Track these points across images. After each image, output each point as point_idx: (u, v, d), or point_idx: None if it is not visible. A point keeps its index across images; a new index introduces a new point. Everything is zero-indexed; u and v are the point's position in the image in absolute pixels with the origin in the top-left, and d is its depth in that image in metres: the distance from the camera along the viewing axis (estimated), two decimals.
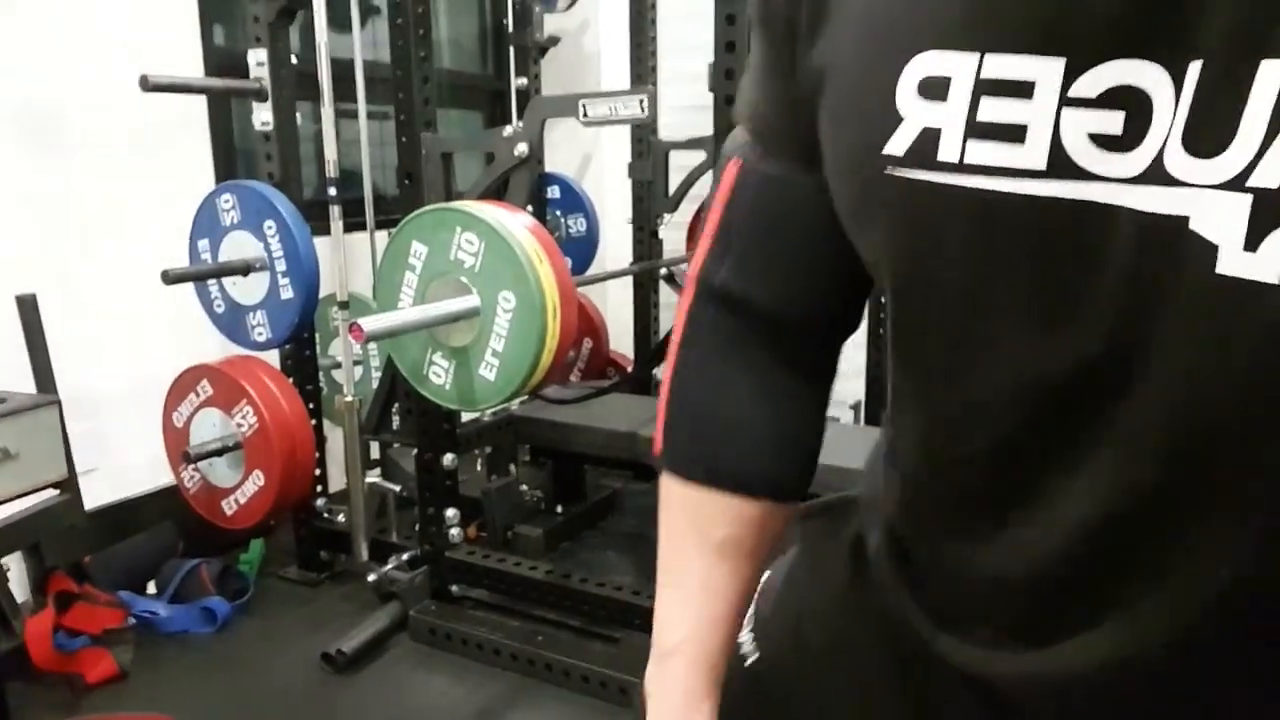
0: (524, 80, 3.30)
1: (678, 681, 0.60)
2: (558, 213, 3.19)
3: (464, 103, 3.62)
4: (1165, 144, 0.36)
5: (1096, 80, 0.36)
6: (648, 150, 3.19)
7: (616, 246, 3.43)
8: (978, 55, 0.38)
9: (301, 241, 2.16)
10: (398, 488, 2.58)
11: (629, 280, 3.41)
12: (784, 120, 0.52)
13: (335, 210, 2.41)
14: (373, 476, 2.59)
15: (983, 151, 0.39)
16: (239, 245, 2.22)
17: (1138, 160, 0.36)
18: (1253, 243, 0.33)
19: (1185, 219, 0.35)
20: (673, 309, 3.01)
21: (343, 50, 2.53)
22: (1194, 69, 0.34)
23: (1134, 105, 0.36)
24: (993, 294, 0.41)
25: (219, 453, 2.21)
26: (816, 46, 0.47)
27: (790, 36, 0.49)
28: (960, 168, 0.39)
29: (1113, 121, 0.36)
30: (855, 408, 3.38)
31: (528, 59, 3.35)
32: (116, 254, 2.45)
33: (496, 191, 2.05)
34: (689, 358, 0.60)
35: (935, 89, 0.40)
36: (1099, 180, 0.37)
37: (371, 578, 2.38)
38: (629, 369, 3.38)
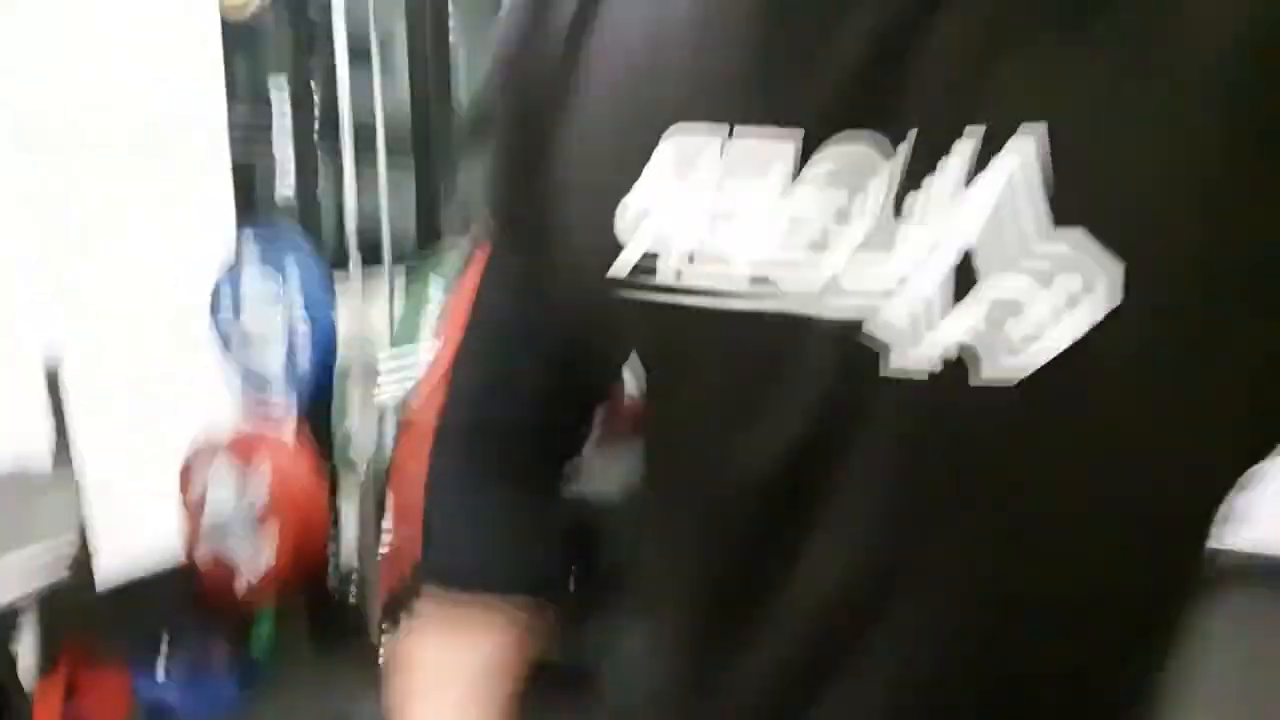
0: None
1: None
2: None
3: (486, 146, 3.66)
4: (844, 258, 0.38)
5: (822, 162, 0.39)
6: None
7: None
8: (725, 127, 0.40)
9: (322, 303, 2.19)
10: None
11: None
12: (529, 218, 0.52)
13: (355, 269, 2.42)
14: (387, 548, 2.56)
15: (694, 274, 0.41)
16: (258, 303, 2.23)
17: (822, 273, 0.38)
18: (914, 341, 0.36)
19: (860, 322, 0.38)
20: None
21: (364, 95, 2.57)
22: (904, 146, 0.37)
23: (852, 185, 0.38)
24: (708, 397, 0.43)
25: (233, 526, 2.20)
26: (556, 143, 0.48)
27: (535, 139, 0.50)
28: (676, 290, 0.42)
29: (831, 201, 0.39)
30: None
31: None
32: (137, 313, 2.45)
33: None
34: (437, 468, 0.60)
35: (648, 216, 0.42)
36: (792, 295, 0.39)
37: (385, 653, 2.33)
38: None
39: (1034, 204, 0.34)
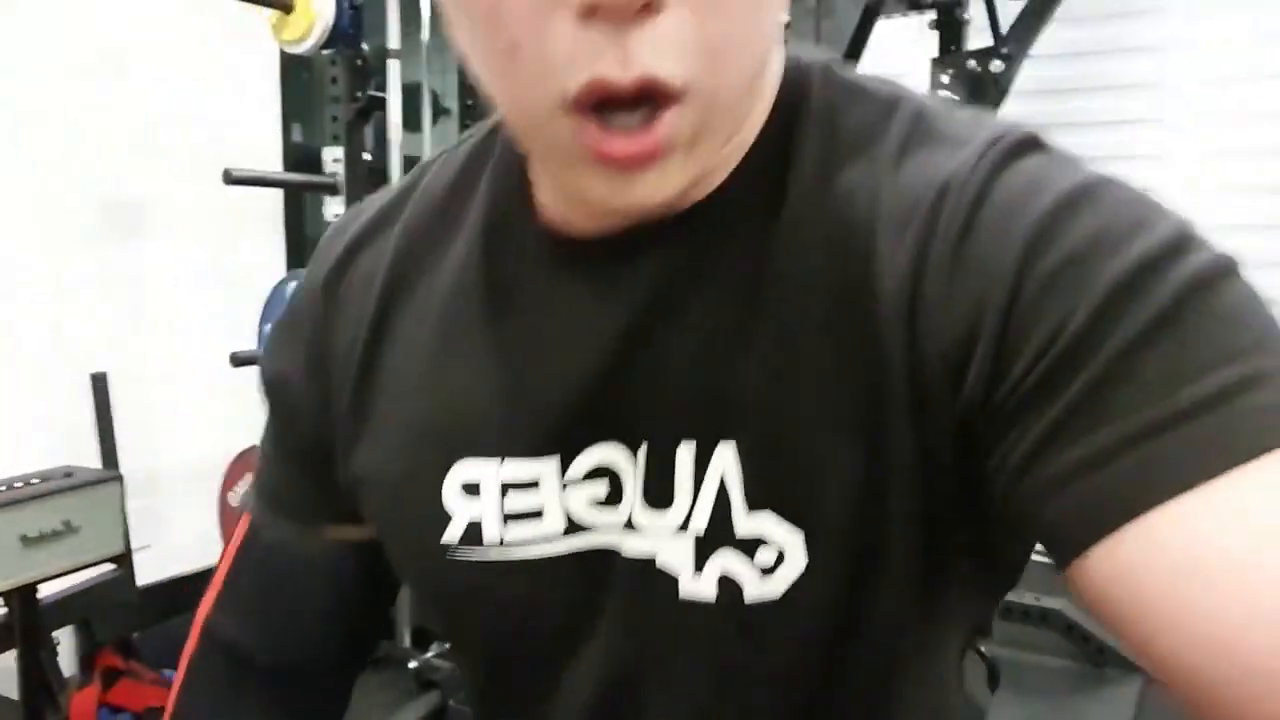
0: None
1: None
2: None
3: None
4: (634, 503, 0.48)
5: (584, 463, 0.49)
6: None
7: None
8: (498, 460, 0.50)
9: None
10: None
11: None
12: (289, 489, 0.60)
13: None
14: None
15: (515, 530, 0.50)
16: None
17: (620, 515, 0.48)
18: (699, 570, 0.46)
19: (653, 558, 0.47)
20: None
21: (414, 149, 2.65)
22: (641, 452, 0.47)
23: (610, 479, 0.48)
24: (538, 625, 0.52)
25: None
26: (355, 456, 0.55)
27: (324, 438, 0.56)
28: (502, 545, 0.50)
29: (599, 490, 0.49)
30: None
31: None
32: (187, 336, 2.54)
33: None
34: (187, 702, 0.63)
35: (472, 489, 0.51)
36: (599, 531, 0.49)
37: (412, 664, 2.36)
38: None
39: (738, 495, 0.45)
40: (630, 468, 0.48)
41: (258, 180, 2.27)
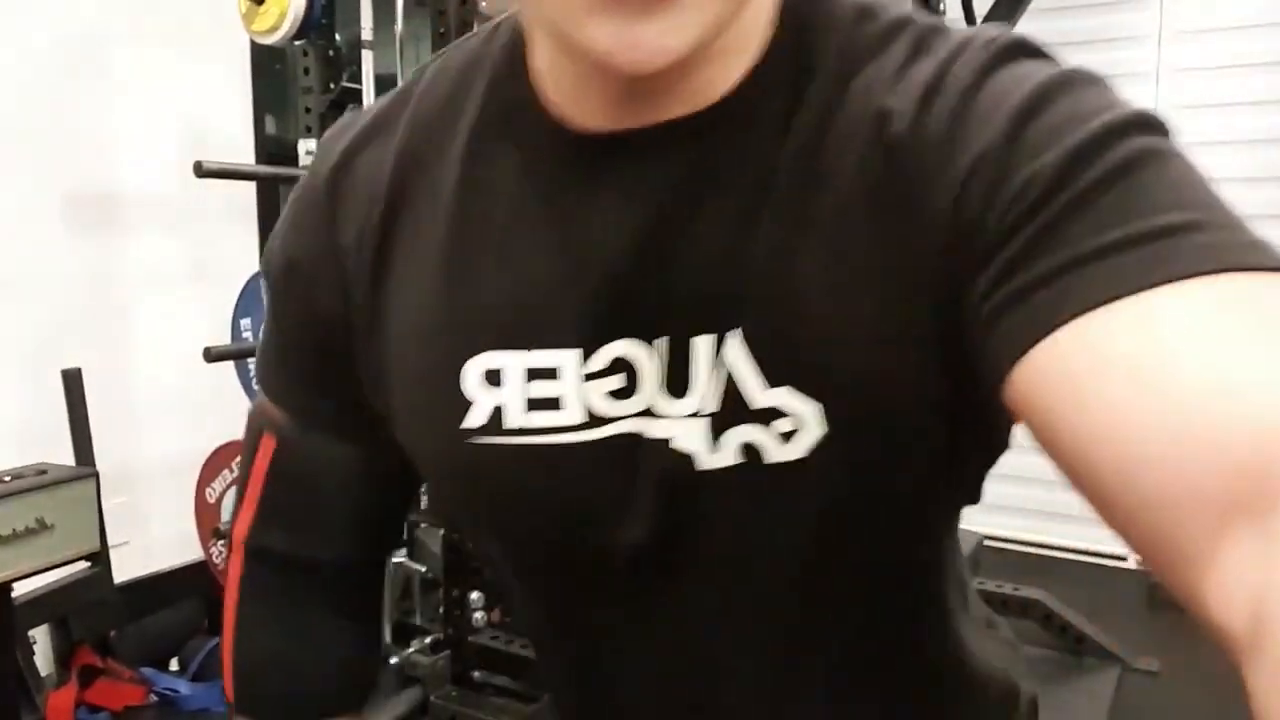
0: None
1: None
2: None
3: None
4: (652, 391, 0.51)
5: (603, 357, 0.51)
6: None
7: None
8: (521, 351, 0.52)
9: None
10: (424, 568, 2.58)
11: None
12: (324, 406, 0.61)
13: None
14: (399, 557, 2.59)
15: (535, 418, 0.52)
16: None
17: (636, 404, 0.51)
18: (715, 445, 0.50)
19: (667, 440, 0.51)
20: None
21: None
22: (661, 345, 0.50)
23: (628, 371, 0.51)
24: (563, 509, 0.55)
25: None
26: (372, 347, 0.57)
27: (339, 332, 0.58)
28: (523, 431, 0.53)
29: (619, 381, 0.51)
30: None
31: None
32: (160, 331, 2.52)
33: None
34: (249, 615, 0.67)
35: (493, 378, 0.53)
36: (619, 420, 0.52)
37: (394, 660, 2.35)
38: None
39: (752, 376, 0.48)
40: (648, 361, 0.51)
41: (230, 173, 2.24)
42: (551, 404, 0.52)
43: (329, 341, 0.58)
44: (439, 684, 2.31)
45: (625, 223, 0.50)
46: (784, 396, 0.48)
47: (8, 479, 1.79)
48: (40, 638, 2.24)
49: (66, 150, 2.30)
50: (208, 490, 2.30)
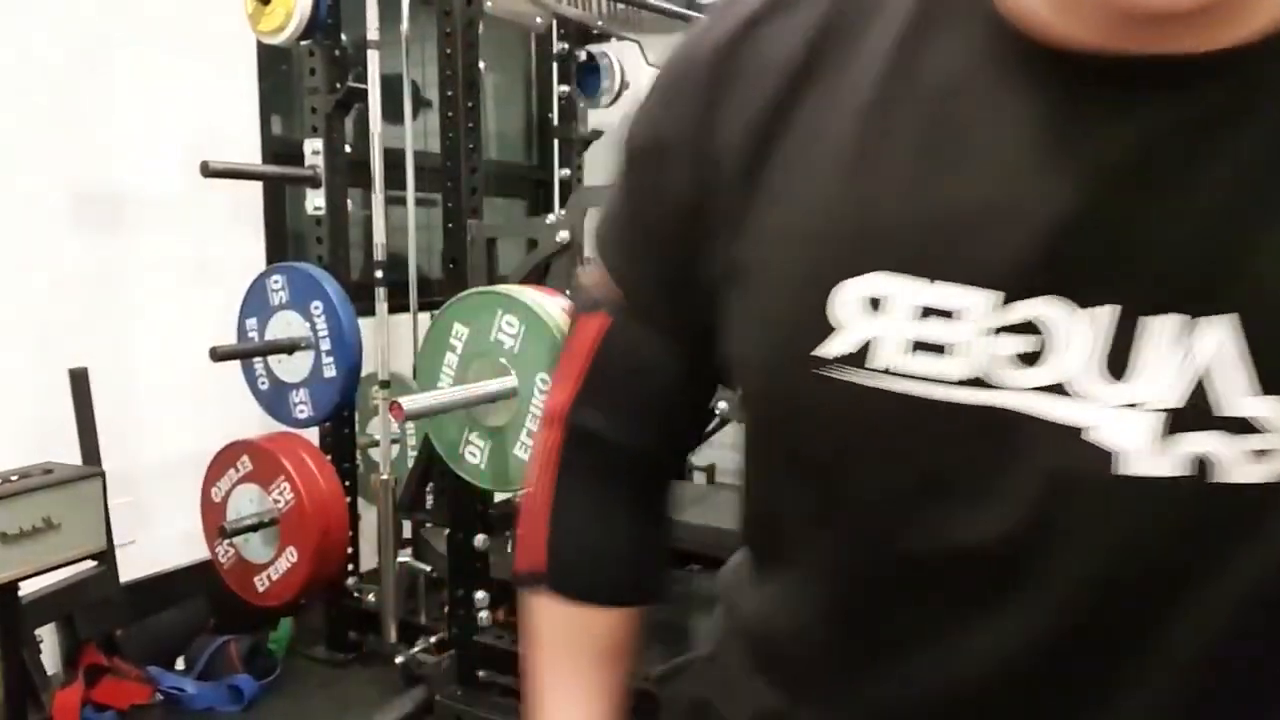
0: (567, 171, 3.39)
1: None
2: None
3: (508, 191, 3.72)
4: (1073, 366, 0.43)
5: (1020, 311, 0.43)
6: None
7: None
8: (925, 281, 0.45)
9: (347, 322, 2.22)
10: (429, 568, 2.58)
11: None
12: (660, 298, 0.58)
13: (381, 292, 2.47)
14: (405, 556, 2.59)
15: (914, 362, 0.45)
16: (286, 324, 2.28)
17: (1038, 377, 0.43)
18: (1158, 448, 0.42)
19: (1082, 428, 0.43)
20: None
21: (394, 140, 2.63)
22: (1102, 314, 0.42)
23: (1048, 333, 0.43)
24: (917, 478, 0.47)
25: (254, 528, 2.23)
26: (737, 242, 0.50)
27: (695, 226, 0.52)
28: (891, 373, 0.45)
29: (1028, 344, 0.43)
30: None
31: (571, 151, 3.45)
32: (167, 330, 2.52)
33: (538, 276, 2.10)
34: (563, 490, 0.65)
35: (877, 305, 0.45)
36: (1006, 389, 0.44)
37: (399, 660, 2.36)
38: None
39: (1235, 375, 0.41)
40: (1076, 328, 0.43)
41: (236, 173, 2.25)
42: (937, 350, 0.44)
43: (679, 231, 0.53)
44: (444, 683, 2.31)
45: (1095, 161, 0.42)
46: (1273, 407, 0.40)
47: (14, 478, 1.80)
48: (47, 636, 2.25)
49: (73, 150, 2.31)
50: (213, 489, 2.31)
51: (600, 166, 3.56)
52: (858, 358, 0.46)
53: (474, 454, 1.82)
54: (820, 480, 0.51)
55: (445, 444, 1.86)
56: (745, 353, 0.52)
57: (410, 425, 2.70)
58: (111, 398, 2.23)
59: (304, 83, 2.39)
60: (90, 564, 1.98)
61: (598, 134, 3.56)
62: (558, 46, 3.15)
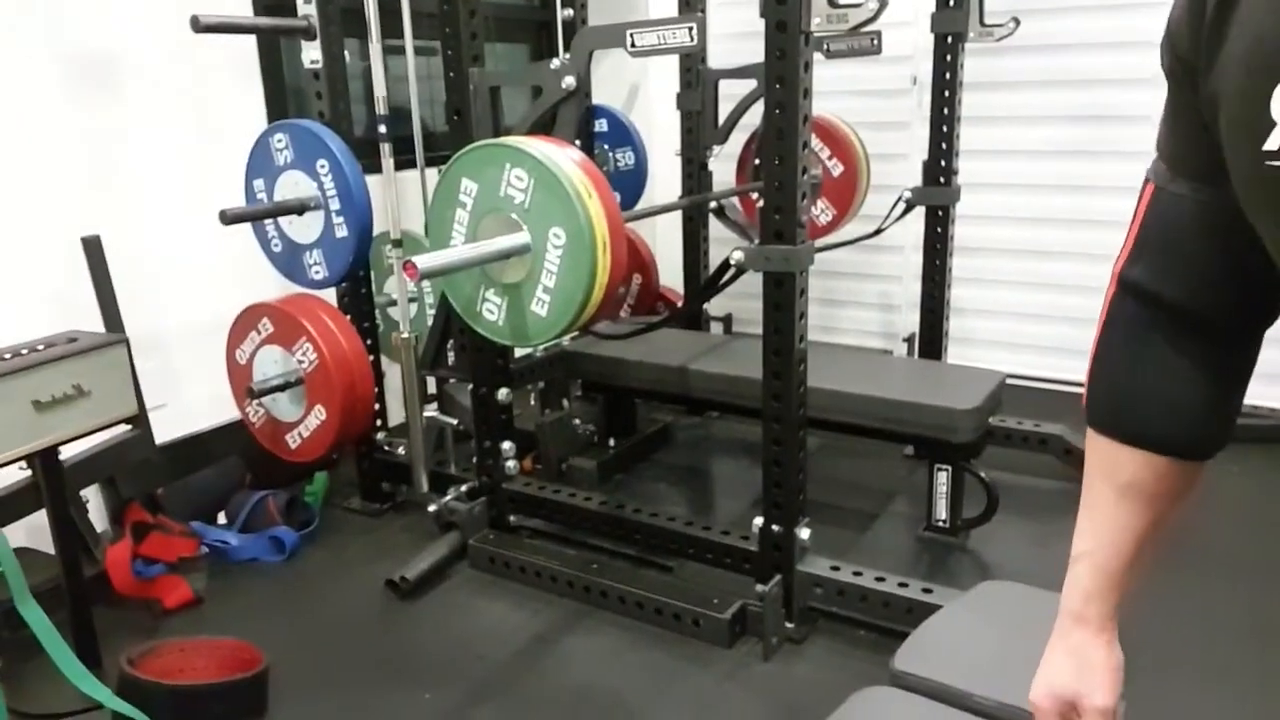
0: (570, 11, 3.24)
1: (1078, 582, 0.79)
2: (606, 146, 3.16)
3: (510, 36, 3.58)
4: None
5: None
6: (696, 79, 3.13)
7: (665, 180, 3.40)
8: None
9: (354, 179, 2.18)
10: (455, 421, 2.64)
11: (678, 214, 3.39)
12: (1186, 148, 0.66)
13: (386, 148, 2.42)
14: (430, 411, 2.65)
15: None
16: (294, 184, 2.24)
17: None
18: None
19: None
20: (722, 243, 2.92)
21: None
22: None
23: None
24: None
25: (281, 388, 2.27)
26: (1210, 78, 0.58)
27: (1190, 79, 0.61)
28: None
29: None
30: (909, 340, 3.35)
31: None
32: (173, 195, 2.50)
33: (544, 126, 2.04)
34: (1109, 338, 0.76)
35: None
36: None
37: (432, 508, 2.44)
38: (679, 303, 3.38)
39: None
40: None
41: (228, 26, 2.17)
42: None
43: (1185, 82, 0.61)
44: (476, 528, 2.40)
45: None
46: None
47: (40, 347, 1.83)
48: (92, 497, 2.34)
49: (58, 13, 2.22)
50: (237, 352, 2.34)
51: (605, 5, 3.40)
52: None
53: (491, 311, 1.82)
54: None
55: (462, 302, 1.86)
56: (1229, 162, 0.57)
57: (428, 284, 2.71)
58: (126, 266, 2.23)
59: None
60: (125, 428, 2.04)
61: None
62: None
